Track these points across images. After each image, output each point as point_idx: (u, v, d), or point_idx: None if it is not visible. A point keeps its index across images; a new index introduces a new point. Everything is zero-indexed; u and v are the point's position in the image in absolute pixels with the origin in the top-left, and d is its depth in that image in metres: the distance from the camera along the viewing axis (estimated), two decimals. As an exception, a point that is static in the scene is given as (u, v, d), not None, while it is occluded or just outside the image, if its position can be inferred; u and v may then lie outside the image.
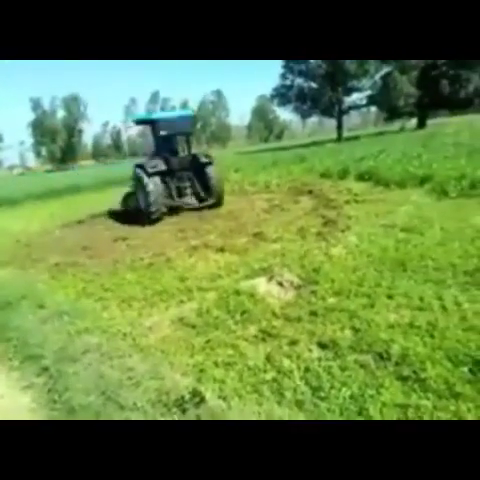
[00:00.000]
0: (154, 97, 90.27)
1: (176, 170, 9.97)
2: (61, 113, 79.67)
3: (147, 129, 11.04)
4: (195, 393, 2.51)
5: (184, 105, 72.34)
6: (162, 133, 9.94)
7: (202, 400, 2.45)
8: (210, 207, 9.91)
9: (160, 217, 9.37)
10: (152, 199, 9.13)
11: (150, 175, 9.32)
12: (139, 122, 11.60)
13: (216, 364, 3.05)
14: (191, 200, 10.11)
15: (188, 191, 10.17)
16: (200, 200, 10.06)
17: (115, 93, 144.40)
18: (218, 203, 10.12)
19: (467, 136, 15.51)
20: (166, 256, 6.34)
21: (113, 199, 12.20)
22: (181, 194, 10.10)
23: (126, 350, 3.37)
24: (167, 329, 3.80)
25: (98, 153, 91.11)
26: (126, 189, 11.17)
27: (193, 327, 3.74)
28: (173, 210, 9.68)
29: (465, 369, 2.61)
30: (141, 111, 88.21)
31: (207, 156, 10.27)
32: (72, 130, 79.48)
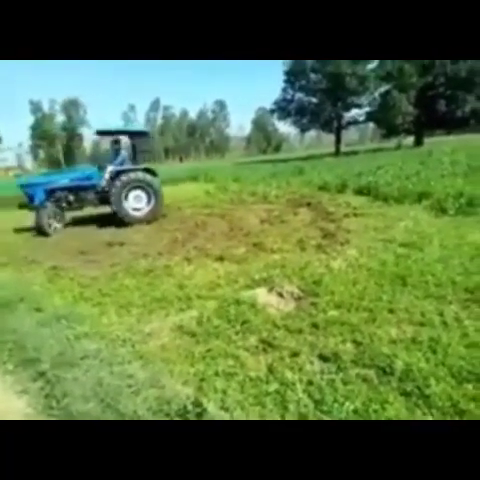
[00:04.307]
0: (155, 105, 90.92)
1: None
2: (60, 117, 79.78)
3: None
4: (197, 403, 2.46)
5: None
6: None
7: (204, 411, 2.40)
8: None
9: None
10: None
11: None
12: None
13: (217, 374, 3.00)
14: None
15: None
16: None
17: (112, 99, 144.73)
18: None
19: (463, 155, 15.76)
20: (164, 263, 6.29)
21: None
22: None
23: (125, 356, 3.31)
24: (166, 337, 3.75)
25: (96, 158, 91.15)
26: None
27: (193, 335, 3.69)
28: None
29: (469, 386, 2.59)
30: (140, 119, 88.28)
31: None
32: (72, 134, 79.45)
